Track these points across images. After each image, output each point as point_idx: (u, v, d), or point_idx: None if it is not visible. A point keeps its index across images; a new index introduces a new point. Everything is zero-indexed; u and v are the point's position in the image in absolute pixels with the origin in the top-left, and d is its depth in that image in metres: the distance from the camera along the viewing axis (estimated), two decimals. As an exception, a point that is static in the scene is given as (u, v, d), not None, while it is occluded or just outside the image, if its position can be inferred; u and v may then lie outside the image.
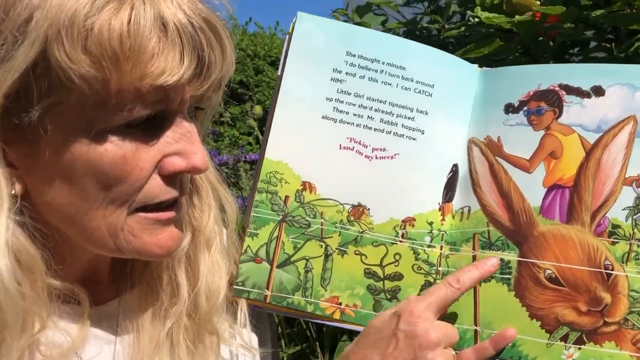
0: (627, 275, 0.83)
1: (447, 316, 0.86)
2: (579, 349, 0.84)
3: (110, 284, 0.84)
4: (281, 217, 0.91)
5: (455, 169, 0.93)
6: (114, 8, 0.65)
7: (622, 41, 1.49)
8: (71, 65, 0.63)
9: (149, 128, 0.70)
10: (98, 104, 0.66)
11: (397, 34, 2.03)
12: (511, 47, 1.48)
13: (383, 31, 1.93)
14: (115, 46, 0.64)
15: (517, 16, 1.35)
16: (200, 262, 0.83)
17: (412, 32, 2.02)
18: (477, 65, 0.96)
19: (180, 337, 0.82)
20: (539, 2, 1.40)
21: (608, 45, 1.52)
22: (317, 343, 1.57)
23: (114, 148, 0.68)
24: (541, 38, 1.45)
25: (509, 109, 0.92)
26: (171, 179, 0.73)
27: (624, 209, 0.85)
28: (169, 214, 0.74)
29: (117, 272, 0.85)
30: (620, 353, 0.82)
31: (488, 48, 1.38)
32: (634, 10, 1.34)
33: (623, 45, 1.42)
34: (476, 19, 1.54)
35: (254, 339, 0.91)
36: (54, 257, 0.72)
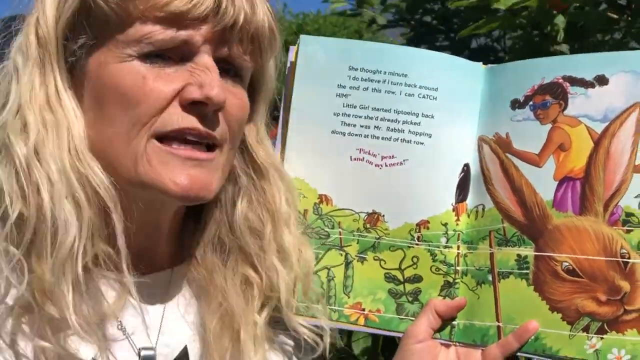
0: (644, 263, 0.83)
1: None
2: (602, 338, 0.84)
3: (166, 253, 0.87)
4: (301, 230, 0.95)
5: (466, 169, 0.94)
6: None
7: (636, 11, 1.44)
8: None
9: (173, 63, 0.77)
10: (123, 32, 0.75)
11: (401, 10, 2.02)
12: (522, 21, 1.45)
13: (384, 8, 1.92)
14: None
15: None
16: (284, 242, 0.88)
17: (415, 6, 2.00)
18: (481, 63, 0.97)
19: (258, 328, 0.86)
20: None
21: (615, 17, 1.46)
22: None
23: (137, 72, 0.76)
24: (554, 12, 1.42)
25: (515, 104, 0.92)
26: (191, 109, 0.77)
27: (636, 197, 0.84)
28: (192, 153, 0.77)
29: (177, 241, 0.88)
30: (642, 340, 0.82)
31: (498, 23, 1.37)
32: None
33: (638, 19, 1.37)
34: None
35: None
36: (105, 220, 0.76)
